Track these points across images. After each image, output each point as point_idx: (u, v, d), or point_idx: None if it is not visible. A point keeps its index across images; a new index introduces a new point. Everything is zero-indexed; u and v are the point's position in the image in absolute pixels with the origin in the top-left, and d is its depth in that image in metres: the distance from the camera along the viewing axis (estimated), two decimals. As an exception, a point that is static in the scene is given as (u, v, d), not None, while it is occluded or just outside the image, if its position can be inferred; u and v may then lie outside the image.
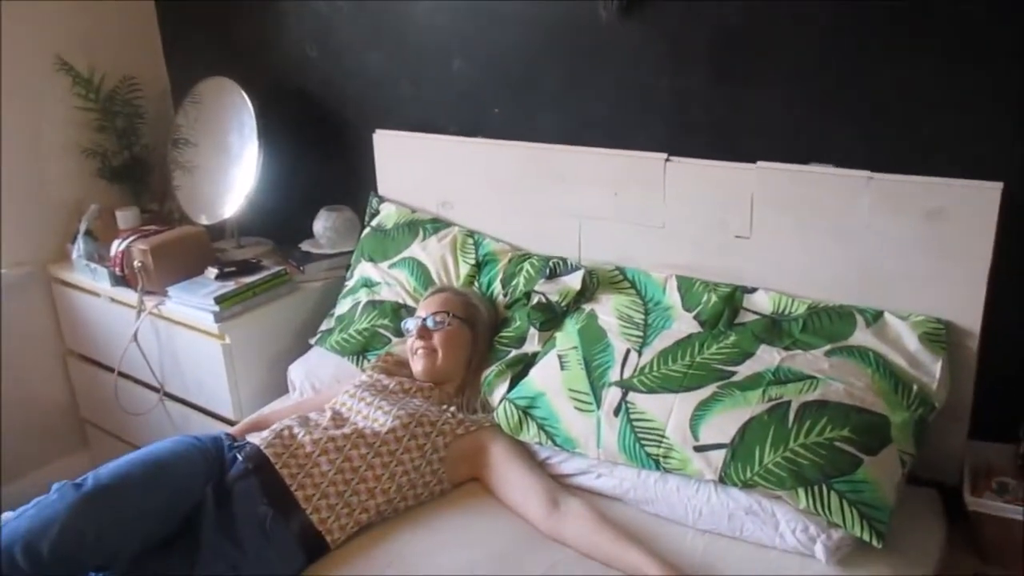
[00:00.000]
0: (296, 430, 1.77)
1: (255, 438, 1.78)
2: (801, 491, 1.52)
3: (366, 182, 2.52)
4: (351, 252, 2.49)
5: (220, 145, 2.66)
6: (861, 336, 1.71)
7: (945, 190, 1.64)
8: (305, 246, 2.60)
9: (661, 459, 1.66)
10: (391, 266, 2.30)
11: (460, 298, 2.06)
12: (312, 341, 2.33)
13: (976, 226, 1.62)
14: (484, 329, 2.04)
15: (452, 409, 1.85)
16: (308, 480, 1.68)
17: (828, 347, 1.71)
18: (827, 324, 1.75)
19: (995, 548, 1.64)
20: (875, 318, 1.73)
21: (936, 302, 1.70)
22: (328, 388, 2.14)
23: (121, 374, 2.57)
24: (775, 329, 1.77)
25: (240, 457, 1.71)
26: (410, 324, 2.02)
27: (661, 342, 1.80)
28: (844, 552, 1.52)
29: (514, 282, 2.11)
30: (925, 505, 1.70)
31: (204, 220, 2.70)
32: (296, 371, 2.26)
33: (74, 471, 1.69)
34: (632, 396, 1.72)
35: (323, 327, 2.35)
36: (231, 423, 2.29)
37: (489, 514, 1.71)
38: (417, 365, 1.97)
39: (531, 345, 1.98)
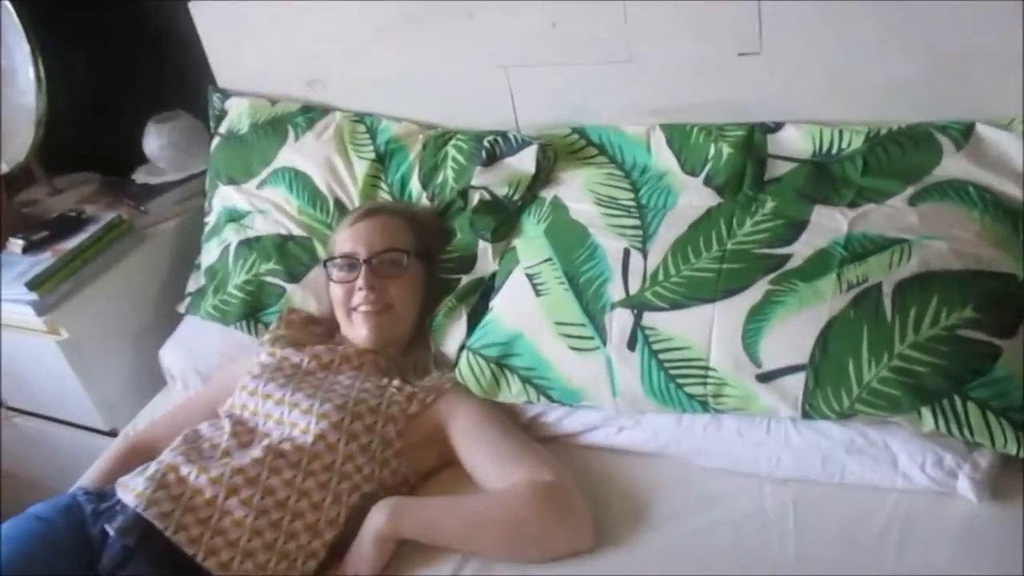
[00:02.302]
0: (185, 469, 1.22)
1: (129, 493, 1.21)
2: (925, 410, 1.07)
3: (199, 74, 1.84)
4: (203, 173, 1.85)
5: (-18, 60, 1.90)
6: (951, 165, 1.20)
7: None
8: (141, 176, 1.95)
9: (711, 400, 1.17)
10: (261, 185, 1.67)
11: (409, 223, 1.46)
12: (181, 309, 1.72)
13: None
14: (436, 259, 1.47)
15: (396, 382, 1.31)
16: (220, 540, 1.16)
17: (910, 191, 1.20)
18: (899, 157, 1.23)
19: None
20: (964, 134, 1.22)
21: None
22: (221, 372, 1.56)
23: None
24: (825, 178, 1.25)
25: (112, 531, 1.16)
26: (337, 268, 1.42)
27: (669, 229, 1.27)
28: (994, 478, 1.08)
29: (439, 177, 1.52)
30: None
31: (2, 167, 1.98)
32: (171, 355, 1.66)
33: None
34: (649, 318, 1.21)
35: (191, 287, 1.74)
36: (108, 434, 1.73)
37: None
38: (360, 329, 1.39)
39: (484, 264, 1.42)
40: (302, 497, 1.19)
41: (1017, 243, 1.15)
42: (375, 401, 1.27)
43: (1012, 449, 1.04)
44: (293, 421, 1.26)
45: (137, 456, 1.39)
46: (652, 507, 1.20)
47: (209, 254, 1.70)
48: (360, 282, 1.37)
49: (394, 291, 1.38)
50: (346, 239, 1.43)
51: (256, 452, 1.22)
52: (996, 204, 1.17)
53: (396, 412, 1.27)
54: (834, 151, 1.27)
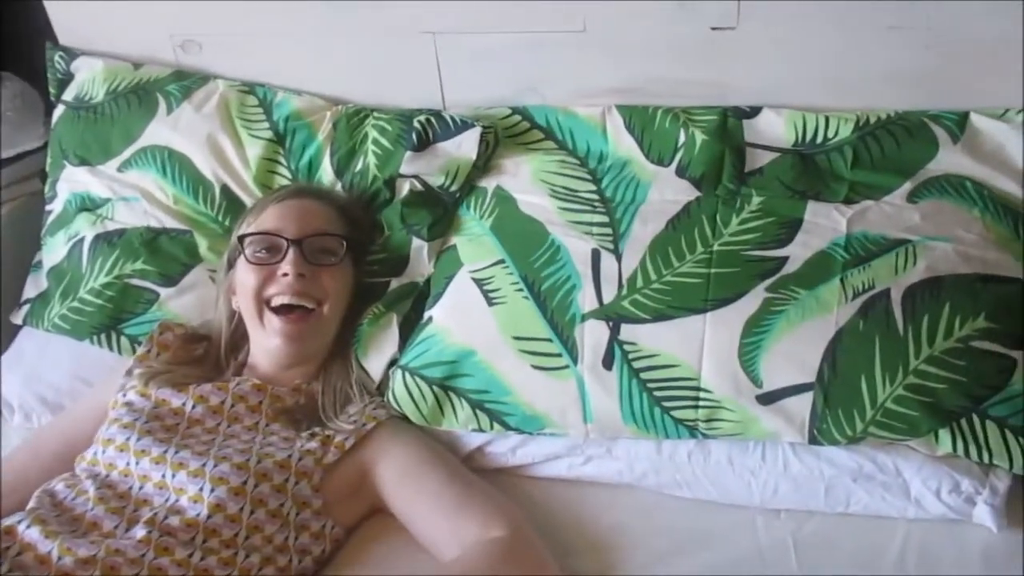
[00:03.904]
0: (43, 547, 0.94)
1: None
2: (943, 432, 0.97)
3: (32, 28, 1.49)
4: (41, 149, 1.50)
5: None
6: (947, 158, 1.10)
7: None
8: (-46, 152, 1.56)
9: (701, 425, 1.02)
10: (123, 167, 1.36)
11: (342, 213, 1.21)
12: (17, 319, 1.38)
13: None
14: (364, 261, 1.23)
15: (304, 435, 1.07)
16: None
17: (908, 186, 1.09)
18: (892, 149, 1.11)
19: None
20: (960, 125, 1.12)
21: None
22: (77, 403, 1.25)
23: None
24: (813, 171, 1.12)
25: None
26: (254, 247, 1.14)
27: (645, 227, 1.10)
28: (1010, 505, 1.00)
29: (358, 163, 1.27)
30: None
31: None
32: (6, 380, 1.32)
33: None
34: (629, 331, 1.04)
35: (29, 292, 1.40)
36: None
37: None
38: (271, 337, 1.12)
39: (418, 266, 1.20)
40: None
41: (1018, 244, 1.07)
42: (283, 454, 1.03)
43: (1033, 470, 0.96)
44: (179, 486, 1.00)
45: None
46: (629, 550, 1.04)
47: (54, 251, 1.37)
48: (286, 266, 1.10)
49: (326, 282, 1.13)
50: (271, 215, 1.16)
51: (139, 531, 0.95)
52: (995, 201, 1.08)
53: (310, 465, 1.03)
54: (819, 140, 1.13)
